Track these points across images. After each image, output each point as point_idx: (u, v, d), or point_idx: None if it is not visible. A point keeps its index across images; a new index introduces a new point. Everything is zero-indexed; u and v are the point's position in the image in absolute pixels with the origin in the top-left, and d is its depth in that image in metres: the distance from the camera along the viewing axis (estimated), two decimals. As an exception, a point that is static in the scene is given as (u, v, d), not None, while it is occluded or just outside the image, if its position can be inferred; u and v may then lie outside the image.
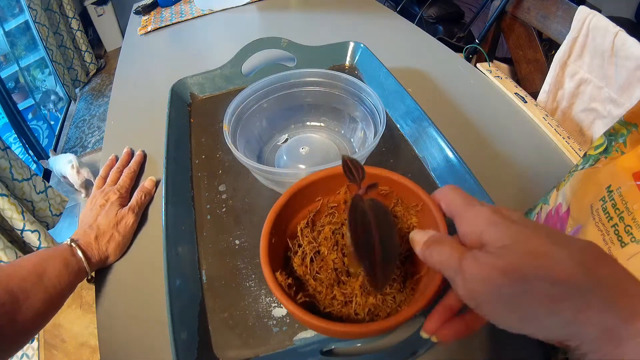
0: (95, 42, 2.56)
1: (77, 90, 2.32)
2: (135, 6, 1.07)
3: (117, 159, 0.55)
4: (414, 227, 0.29)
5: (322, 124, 0.54)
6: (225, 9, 0.98)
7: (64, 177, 1.56)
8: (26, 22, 1.98)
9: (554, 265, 0.19)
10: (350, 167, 0.25)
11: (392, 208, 0.31)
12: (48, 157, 1.61)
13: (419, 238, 0.25)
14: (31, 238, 1.17)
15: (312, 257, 0.28)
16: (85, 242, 0.41)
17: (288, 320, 0.35)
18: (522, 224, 0.21)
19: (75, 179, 1.49)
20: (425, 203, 0.27)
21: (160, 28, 0.95)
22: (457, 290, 0.21)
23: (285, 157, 0.50)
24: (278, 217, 0.29)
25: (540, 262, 0.19)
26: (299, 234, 0.30)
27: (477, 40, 1.01)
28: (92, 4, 2.40)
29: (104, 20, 2.51)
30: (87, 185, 1.60)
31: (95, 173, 1.63)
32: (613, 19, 0.64)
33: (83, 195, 1.62)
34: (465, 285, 0.21)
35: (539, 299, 0.18)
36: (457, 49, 1.23)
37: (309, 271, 0.28)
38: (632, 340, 0.17)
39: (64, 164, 1.51)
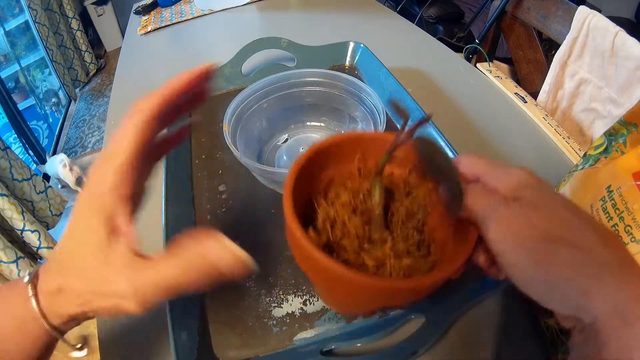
0: (95, 42, 2.56)
1: (77, 90, 2.32)
2: (135, 6, 1.07)
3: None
4: (431, 192, 0.28)
5: (322, 124, 0.54)
6: (225, 9, 0.98)
7: (58, 178, 1.56)
8: (26, 22, 1.98)
9: (579, 233, 0.19)
10: (397, 107, 0.26)
11: (406, 177, 0.29)
12: (45, 162, 1.61)
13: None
14: (31, 238, 1.17)
15: (332, 224, 0.26)
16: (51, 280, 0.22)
17: (288, 320, 0.35)
18: (554, 193, 0.22)
19: (69, 177, 1.50)
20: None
21: (160, 28, 0.95)
22: (487, 234, 0.21)
23: (285, 157, 0.50)
24: (297, 180, 0.26)
25: (566, 226, 0.20)
26: (314, 201, 0.28)
27: (477, 40, 1.01)
28: (92, 4, 2.40)
29: (104, 20, 2.51)
30: (81, 182, 1.60)
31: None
32: (613, 19, 0.64)
33: None
34: (497, 228, 0.21)
35: (562, 261, 0.19)
36: (457, 49, 1.23)
37: (331, 238, 0.26)
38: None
39: (56, 165, 1.51)
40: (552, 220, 0.20)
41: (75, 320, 0.23)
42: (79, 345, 0.23)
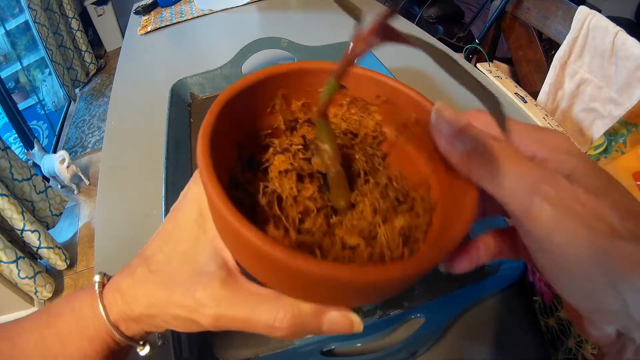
0: (95, 42, 2.56)
1: (77, 90, 2.32)
2: (135, 6, 1.07)
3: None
4: (381, 124, 0.22)
5: (322, 124, 0.53)
6: (225, 9, 0.98)
7: (54, 176, 1.56)
8: (26, 22, 1.99)
9: None
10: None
11: (347, 111, 0.22)
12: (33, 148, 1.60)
13: (448, 114, 0.17)
14: (31, 238, 1.17)
15: (276, 204, 0.18)
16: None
17: (288, 320, 0.35)
18: (611, 175, 0.17)
19: (65, 174, 1.50)
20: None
21: (160, 28, 0.95)
22: (524, 217, 0.15)
23: (285, 157, 0.49)
24: (213, 154, 0.16)
25: (638, 223, 0.15)
26: (239, 177, 0.19)
27: (477, 40, 1.01)
28: (92, 4, 2.41)
29: (104, 20, 2.51)
30: (76, 180, 1.60)
31: (96, 173, 1.63)
32: (613, 19, 0.64)
33: (76, 192, 1.62)
34: (551, 214, 0.15)
35: (636, 264, 0.14)
36: (457, 49, 1.23)
37: (289, 227, 0.18)
38: None
39: (53, 161, 1.51)
40: (621, 212, 0.15)
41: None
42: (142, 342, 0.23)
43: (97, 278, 0.22)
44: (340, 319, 0.18)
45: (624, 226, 0.15)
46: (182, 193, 0.22)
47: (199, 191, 0.21)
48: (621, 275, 0.15)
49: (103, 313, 0.20)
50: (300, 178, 0.19)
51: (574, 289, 0.16)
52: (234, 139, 0.20)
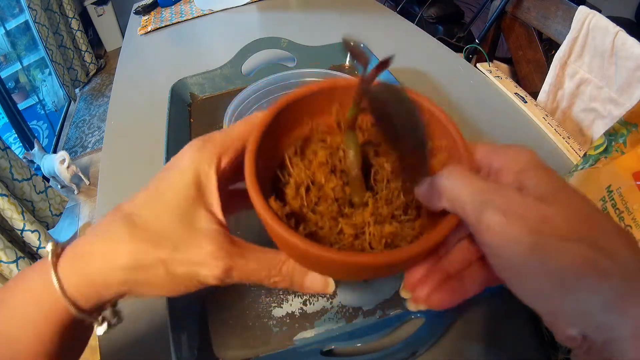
0: (95, 42, 2.56)
1: (77, 90, 2.32)
2: (135, 6, 1.07)
3: None
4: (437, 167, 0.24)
5: (322, 124, 0.54)
6: (225, 9, 0.98)
7: (54, 176, 1.56)
8: (26, 22, 1.99)
9: (602, 234, 0.16)
10: (353, 48, 0.20)
11: None
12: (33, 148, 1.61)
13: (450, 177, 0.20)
14: (31, 238, 1.17)
15: (307, 186, 0.23)
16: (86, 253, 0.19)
17: (288, 320, 0.35)
18: (566, 181, 0.18)
19: (65, 174, 1.50)
20: (455, 142, 0.22)
21: (160, 28, 0.95)
22: (478, 227, 0.17)
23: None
24: (263, 139, 0.22)
25: (588, 224, 0.16)
26: (287, 162, 0.24)
27: (477, 40, 1.01)
28: (92, 4, 2.41)
29: (104, 20, 2.51)
30: (76, 181, 1.61)
31: (96, 173, 1.63)
32: (613, 19, 0.64)
33: (76, 192, 1.62)
34: (496, 220, 0.16)
35: (585, 266, 0.15)
36: (457, 49, 1.23)
37: (305, 203, 0.22)
38: None
39: (53, 161, 1.51)
40: (574, 217, 0.16)
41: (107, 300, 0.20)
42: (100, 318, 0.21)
43: (49, 247, 0.20)
44: (319, 279, 0.22)
45: (569, 228, 0.16)
46: (174, 157, 0.22)
47: (195, 159, 0.21)
48: (569, 276, 0.15)
49: (57, 286, 0.18)
50: (334, 172, 0.24)
51: (527, 291, 0.17)
52: (295, 131, 0.25)
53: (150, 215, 0.20)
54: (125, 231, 0.19)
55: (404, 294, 0.22)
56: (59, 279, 0.18)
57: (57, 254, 0.19)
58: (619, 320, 0.15)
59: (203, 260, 0.19)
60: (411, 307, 0.22)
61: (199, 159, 0.21)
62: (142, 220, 0.19)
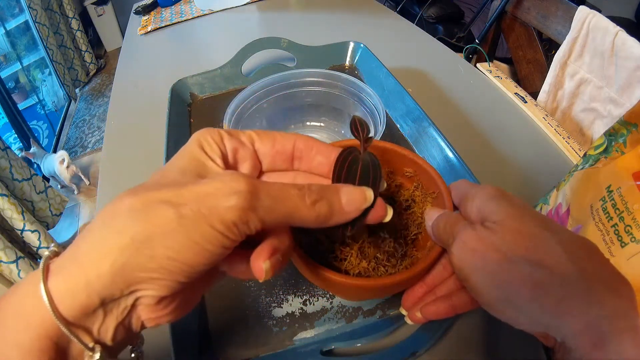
0: (95, 42, 2.56)
1: (77, 90, 2.32)
2: (135, 6, 1.07)
3: None
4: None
5: (322, 124, 0.54)
6: (225, 9, 0.98)
7: (54, 176, 1.56)
8: (26, 22, 1.99)
9: (541, 249, 0.18)
10: (357, 125, 0.25)
11: (412, 192, 0.31)
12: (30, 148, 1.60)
13: (432, 213, 0.25)
14: (31, 238, 1.17)
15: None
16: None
17: (288, 320, 0.35)
18: (521, 206, 0.21)
19: (65, 174, 1.50)
20: (440, 191, 0.28)
21: (160, 28, 0.95)
22: (450, 258, 0.22)
23: (285, 157, 0.50)
24: None
25: (527, 243, 0.19)
26: None
27: (477, 40, 1.01)
28: (92, 4, 2.40)
29: (104, 20, 2.51)
30: (76, 181, 1.60)
31: (96, 173, 1.63)
32: (613, 19, 0.64)
33: (76, 192, 1.62)
34: (458, 252, 0.21)
35: (522, 280, 0.18)
36: (457, 49, 1.23)
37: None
38: (616, 338, 0.16)
39: (53, 161, 1.51)
40: (516, 239, 0.19)
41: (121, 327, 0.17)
42: (91, 345, 0.17)
43: (43, 256, 0.17)
44: (354, 191, 0.20)
45: (511, 251, 0.19)
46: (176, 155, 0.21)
47: (195, 150, 0.20)
48: (511, 290, 0.18)
49: (46, 300, 0.15)
50: None
51: (489, 307, 0.20)
52: None
53: (150, 182, 0.18)
54: (124, 195, 0.16)
55: (402, 311, 0.27)
56: (47, 291, 0.15)
57: (47, 267, 0.16)
58: (560, 322, 0.17)
59: (219, 187, 0.16)
60: (409, 321, 0.27)
61: (195, 149, 0.20)
62: (143, 186, 0.17)
